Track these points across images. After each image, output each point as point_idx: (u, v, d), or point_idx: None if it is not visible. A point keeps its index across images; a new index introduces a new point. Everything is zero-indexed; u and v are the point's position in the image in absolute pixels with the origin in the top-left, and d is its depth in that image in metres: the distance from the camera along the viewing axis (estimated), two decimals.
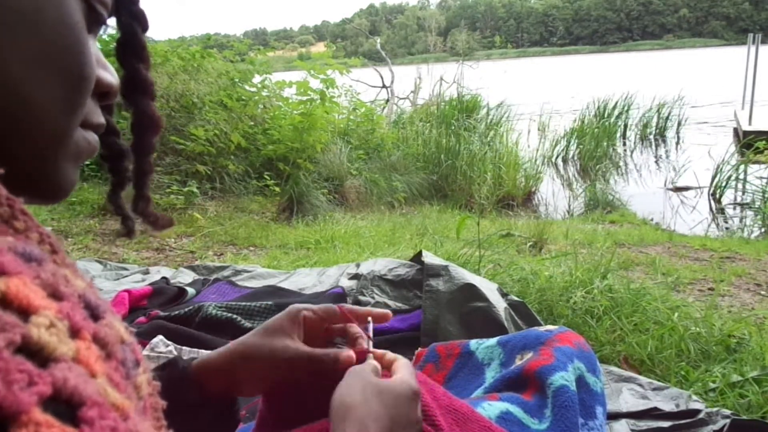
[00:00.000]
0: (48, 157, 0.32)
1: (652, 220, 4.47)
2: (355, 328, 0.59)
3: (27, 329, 0.20)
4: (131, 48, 0.38)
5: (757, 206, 4.80)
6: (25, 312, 0.21)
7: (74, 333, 0.22)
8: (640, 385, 1.30)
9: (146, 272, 2.15)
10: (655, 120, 8.80)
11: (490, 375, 0.91)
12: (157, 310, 1.58)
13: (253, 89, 5.14)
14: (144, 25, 0.38)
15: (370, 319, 0.60)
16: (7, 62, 0.28)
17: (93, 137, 0.36)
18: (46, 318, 0.21)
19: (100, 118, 0.37)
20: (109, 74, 0.37)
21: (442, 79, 8.58)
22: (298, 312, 0.56)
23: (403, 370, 0.53)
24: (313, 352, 0.54)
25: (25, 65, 0.29)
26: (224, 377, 0.53)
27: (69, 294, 0.24)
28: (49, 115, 0.31)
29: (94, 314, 0.25)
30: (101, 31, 0.37)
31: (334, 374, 0.52)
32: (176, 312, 1.56)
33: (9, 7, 0.28)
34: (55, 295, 0.23)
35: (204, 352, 1.30)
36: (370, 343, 0.58)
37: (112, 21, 0.37)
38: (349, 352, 0.55)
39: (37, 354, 0.20)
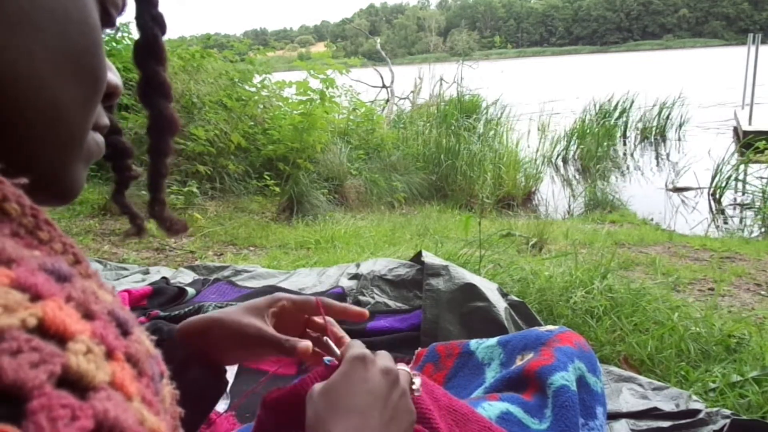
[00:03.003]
0: (63, 160, 0.32)
1: (652, 220, 4.47)
2: (336, 328, 0.61)
3: (66, 358, 0.19)
4: (150, 50, 0.38)
5: (757, 206, 4.80)
6: (62, 338, 0.20)
7: (108, 354, 0.22)
8: (640, 385, 1.30)
9: (146, 272, 2.15)
10: (655, 120, 8.81)
11: (491, 375, 0.91)
12: (157, 310, 1.58)
13: (253, 89, 5.14)
14: (163, 28, 0.39)
15: (332, 320, 0.61)
16: (35, 63, 0.28)
17: (100, 139, 0.36)
18: (82, 344, 0.20)
19: (105, 120, 0.37)
20: (114, 75, 0.37)
21: (442, 79, 8.58)
22: (278, 299, 0.60)
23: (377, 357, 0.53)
24: (274, 335, 0.56)
25: (51, 66, 0.29)
26: (200, 337, 0.56)
27: (100, 312, 0.23)
28: (69, 117, 0.31)
29: (124, 330, 0.24)
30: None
31: (294, 362, 0.55)
32: (176, 312, 1.56)
33: (40, 6, 0.28)
34: (88, 314, 0.22)
35: None
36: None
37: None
38: (306, 343, 0.56)
39: (77, 384, 0.19)
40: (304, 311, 0.61)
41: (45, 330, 0.19)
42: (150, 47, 0.38)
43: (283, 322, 0.59)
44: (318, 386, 0.49)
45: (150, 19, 0.38)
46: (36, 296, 0.20)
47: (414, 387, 0.54)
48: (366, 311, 0.62)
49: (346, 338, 0.60)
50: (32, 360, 0.18)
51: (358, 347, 0.52)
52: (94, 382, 0.20)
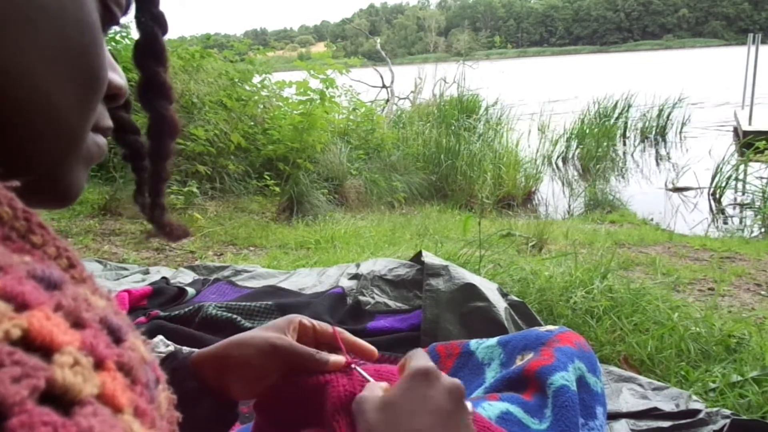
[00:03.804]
0: (61, 162, 0.31)
1: (652, 220, 4.47)
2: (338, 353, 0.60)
3: (51, 371, 0.18)
4: (151, 51, 0.37)
5: (757, 206, 4.81)
6: (47, 350, 0.19)
7: (98, 364, 0.21)
8: (640, 385, 1.30)
9: (146, 272, 2.15)
10: (655, 120, 8.81)
11: (491, 375, 0.91)
12: (157, 310, 1.58)
13: (253, 89, 5.14)
14: (164, 28, 0.38)
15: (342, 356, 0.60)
16: (29, 61, 0.27)
17: (102, 141, 0.35)
18: (69, 355, 0.20)
19: (108, 122, 0.36)
20: (118, 76, 0.36)
21: (443, 79, 8.58)
22: (294, 317, 0.59)
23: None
24: (305, 348, 0.55)
25: (46, 65, 0.28)
26: (218, 364, 0.53)
27: (91, 320, 0.22)
28: (67, 118, 0.30)
29: (117, 337, 0.24)
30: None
31: (316, 377, 0.54)
32: (176, 312, 1.56)
33: (33, 2, 0.27)
34: (77, 323, 0.22)
35: None
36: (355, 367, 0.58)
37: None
38: (339, 357, 0.56)
39: (62, 398, 0.18)
40: (317, 333, 0.60)
41: (30, 342, 0.19)
42: (150, 47, 0.37)
43: (298, 338, 0.58)
44: (373, 398, 0.45)
45: (150, 18, 0.37)
46: (22, 306, 0.19)
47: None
48: (375, 351, 0.60)
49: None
50: (14, 374, 0.17)
51: (421, 358, 0.47)
52: (81, 396, 0.19)
